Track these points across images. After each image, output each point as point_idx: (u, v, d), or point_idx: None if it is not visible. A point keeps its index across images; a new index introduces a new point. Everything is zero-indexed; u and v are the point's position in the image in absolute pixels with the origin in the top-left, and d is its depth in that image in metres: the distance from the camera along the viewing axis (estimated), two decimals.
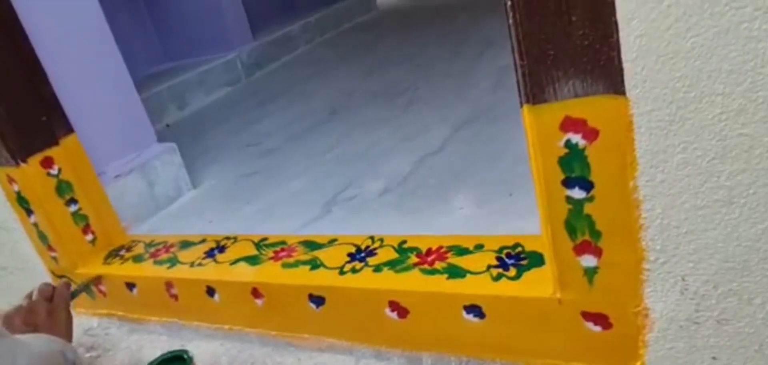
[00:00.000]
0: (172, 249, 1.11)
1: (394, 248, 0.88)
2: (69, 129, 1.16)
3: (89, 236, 1.18)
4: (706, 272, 0.58)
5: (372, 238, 0.93)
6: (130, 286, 1.09)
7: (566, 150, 0.59)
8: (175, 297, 1.04)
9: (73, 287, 0.97)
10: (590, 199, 0.60)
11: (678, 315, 0.61)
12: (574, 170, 0.59)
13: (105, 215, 1.21)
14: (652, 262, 0.60)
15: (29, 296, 0.80)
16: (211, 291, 0.98)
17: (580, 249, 0.63)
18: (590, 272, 0.64)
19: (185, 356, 0.91)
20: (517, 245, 0.80)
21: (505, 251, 0.79)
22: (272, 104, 2.30)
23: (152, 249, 1.14)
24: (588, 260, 0.63)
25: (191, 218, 1.36)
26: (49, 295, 0.79)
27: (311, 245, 0.97)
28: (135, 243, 1.20)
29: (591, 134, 0.57)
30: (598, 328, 0.67)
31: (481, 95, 1.68)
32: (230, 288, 0.96)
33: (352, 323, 0.87)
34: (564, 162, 0.59)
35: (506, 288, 0.72)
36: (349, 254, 0.90)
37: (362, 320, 0.86)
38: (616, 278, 0.63)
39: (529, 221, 0.88)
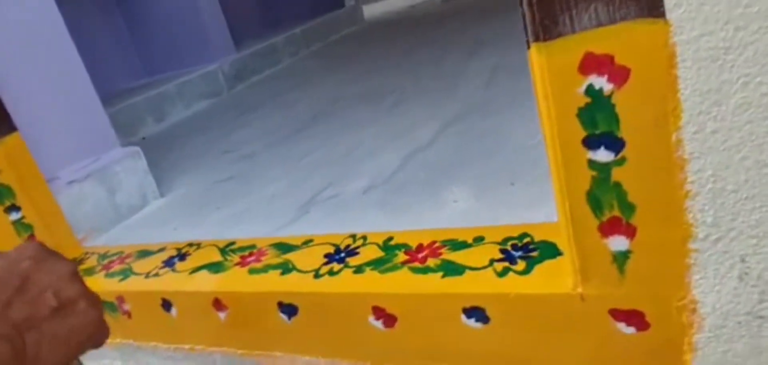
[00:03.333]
0: (127, 260, 0.97)
1: (378, 245, 0.75)
2: (10, 127, 1.02)
3: None
4: None
5: (353, 236, 0.80)
6: None
7: (588, 99, 0.46)
8: (128, 313, 0.90)
9: None
10: (620, 162, 0.47)
11: (736, 309, 0.49)
12: (599, 124, 0.47)
13: (54, 225, 1.07)
14: (701, 240, 0.47)
15: None
16: (167, 305, 0.84)
17: (608, 229, 0.50)
18: (620, 258, 0.51)
19: None
20: (524, 234, 0.67)
21: (510, 242, 0.66)
22: (253, 113, 2.18)
23: (105, 261, 1.00)
24: (618, 243, 0.51)
25: (157, 228, 1.22)
26: None
27: (283, 247, 0.83)
28: (88, 256, 1.06)
29: (620, 75, 0.44)
30: (631, 329, 0.54)
31: (472, 92, 1.57)
32: (188, 300, 0.82)
33: (331, 336, 0.73)
34: (585, 115, 0.47)
35: (514, 284, 0.59)
36: (327, 256, 0.77)
37: (342, 332, 0.72)
38: (655, 263, 0.50)
39: (536, 212, 0.76)
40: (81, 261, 1.04)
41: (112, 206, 1.23)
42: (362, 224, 0.93)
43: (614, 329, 0.55)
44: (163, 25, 2.94)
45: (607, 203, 0.49)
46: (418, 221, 0.88)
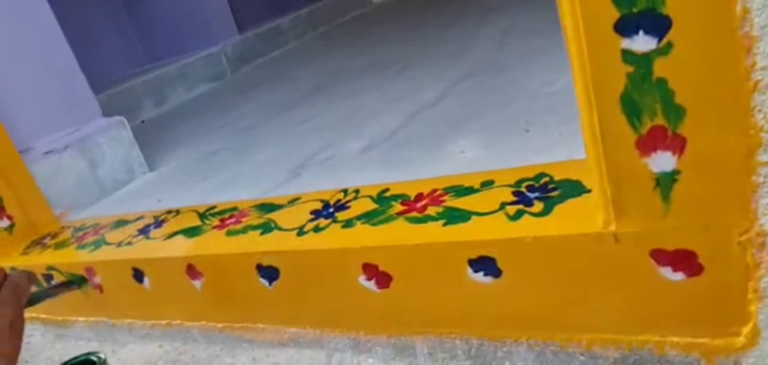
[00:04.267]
0: (101, 231, 0.88)
1: (372, 198, 0.65)
2: None
3: (4, 222, 0.96)
4: None
5: (345, 191, 0.70)
6: (48, 279, 0.87)
7: None
8: (100, 287, 0.81)
9: (39, 287, 0.67)
10: (664, 50, 0.36)
11: None
12: (636, 0, 0.36)
13: (27, 198, 0.99)
14: None
15: None
16: (139, 275, 0.75)
17: (649, 143, 0.40)
18: (665, 182, 0.40)
19: (96, 359, 0.68)
20: (542, 175, 0.56)
21: (525, 184, 0.56)
22: (255, 90, 2.10)
23: (80, 234, 0.91)
24: (662, 161, 0.40)
25: (142, 202, 1.13)
26: None
27: (267, 207, 0.73)
28: (64, 229, 0.98)
29: None
30: (678, 275, 0.43)
31: (482, 53, 1.45)
32: (161, 268, 0.73)
33: (317, 302, 0.64)
34: None
35: (530, 227, 0.49)
36: (313, 212, 0.67)
37: (330, 296, 0.62)
38: (710, 186, 0.39)
39: (555, 157, 0.65)
40: (55, 236, 0.95)
41: (94, 180, 1.15)
42: (359, 182, 0.82)
43: (657, 275, 0.44)
44: (164, 11, 2.88)
45: (648, 107, 0.38)
46: (421, 175, 0.77)
